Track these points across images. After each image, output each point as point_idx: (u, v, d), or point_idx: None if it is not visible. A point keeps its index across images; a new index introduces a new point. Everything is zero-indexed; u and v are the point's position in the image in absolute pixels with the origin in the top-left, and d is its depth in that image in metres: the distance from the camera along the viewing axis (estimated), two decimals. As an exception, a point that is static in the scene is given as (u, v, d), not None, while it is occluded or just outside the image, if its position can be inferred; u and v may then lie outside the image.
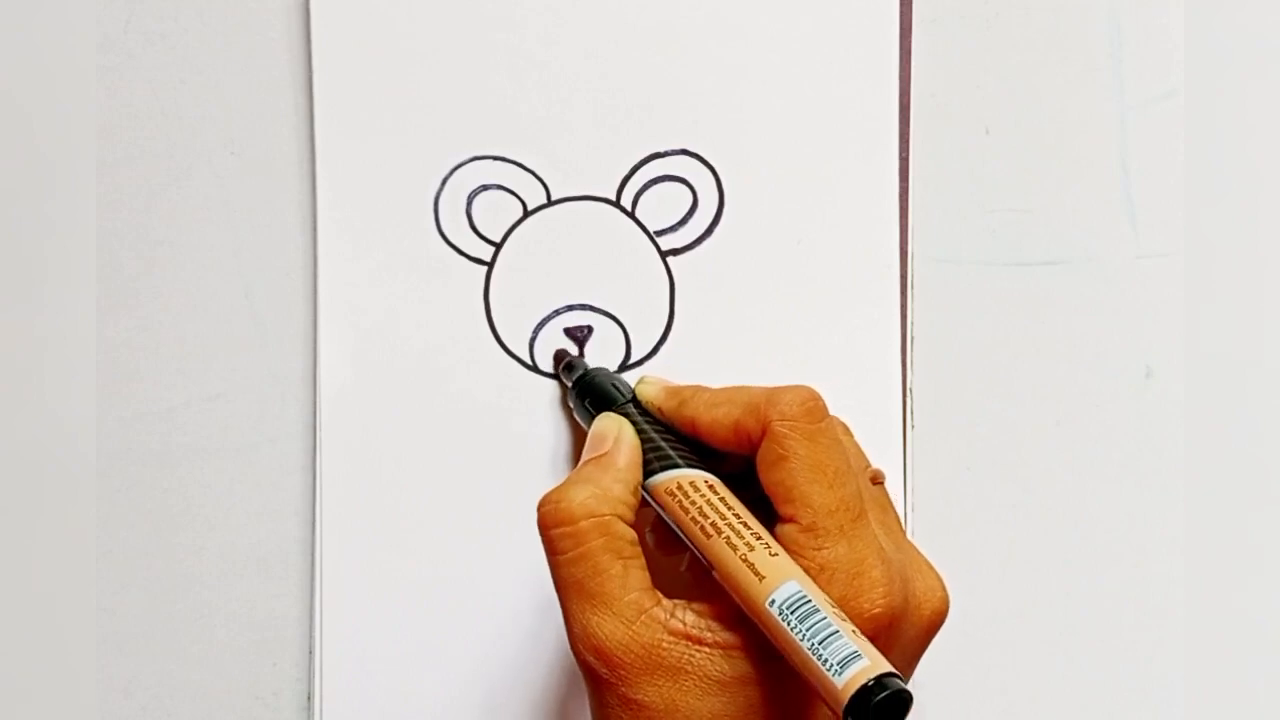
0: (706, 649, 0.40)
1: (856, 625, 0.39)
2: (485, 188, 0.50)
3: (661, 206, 0.50)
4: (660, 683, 0.40)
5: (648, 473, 0.43)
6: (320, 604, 0.49)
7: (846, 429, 0.45)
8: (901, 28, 0.50)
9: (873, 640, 0.39)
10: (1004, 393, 0.51)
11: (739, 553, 0.40)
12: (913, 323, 0.50)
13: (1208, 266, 0.48)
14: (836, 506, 0.40)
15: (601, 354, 0.50)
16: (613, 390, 0.46)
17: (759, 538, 0.40)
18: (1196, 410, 0.48)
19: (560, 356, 0.49)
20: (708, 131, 0.50)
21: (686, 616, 0.40)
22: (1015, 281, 0.51)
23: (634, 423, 0.45)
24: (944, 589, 0.43)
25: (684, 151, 0.50)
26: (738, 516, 0.41)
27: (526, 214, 0.50)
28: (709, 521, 0.41)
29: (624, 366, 0.50)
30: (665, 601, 0.41)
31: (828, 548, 0.40)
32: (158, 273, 0.50)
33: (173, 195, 0.50)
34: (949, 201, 0.51)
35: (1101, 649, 0.51)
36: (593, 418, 0.46)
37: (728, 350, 0.50)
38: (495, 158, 0.50)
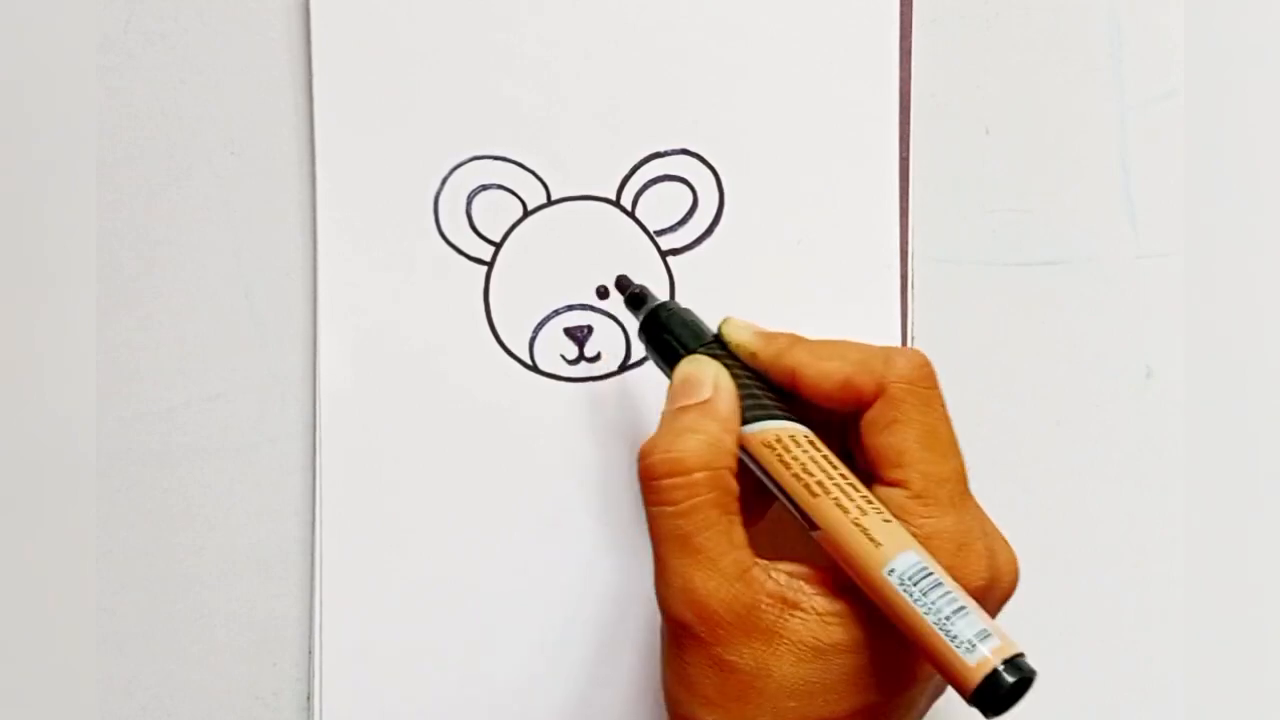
0: (803, 614, 0.38)
1: None
2: (485, 187, 0.50)
3: (661, 206, 0.50)
4: (755, 645, 0.38)
5: (742, 421, 0.41)
6: (320, 604, 0.49)
7: None
8: (901, 28, 0.50)
9: None
10: (1004, 393, 0.51)
11: (850, 516, 0.38)
12: (913, 323, 0.50)
13: (1208, 266, 0.48)
14: (949, 476, 0.40)
15: (602, 354, 0.50)
16: (697, 327, 0.44)
17: (870, 502, 0.38)
18: (1196, 410, 0.48)
19: (624, 284, 0.46)
20: (708, 131, 0.50)
21: (780, 577, 0.39)
22: (1015, 281, 0.51)
23: (726, 366, 0.42)
24: (1016, 561, 0.41)
25: (684, 151, 0.50)
26: (844, 477, 0.39)
27: (526, 214, 0.50)
28: (814, 480, 0.39)
29: (624, 366, 0.50)
30: (761, 562, 0.39)
31: (937, 516, 0.39)
32: (158, 273, 0.50)
33: (173, 195, 0.50)
34: (949, 201, 0.51)
35: (1101, 649, 0.51)
36: (669, 356, 0.43)
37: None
38: (495, 158, 0.50)
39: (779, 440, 0.40)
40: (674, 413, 0.41)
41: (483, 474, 0.49)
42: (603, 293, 0.49)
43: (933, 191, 0.51)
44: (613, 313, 0.50)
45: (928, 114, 0.50)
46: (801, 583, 0.39)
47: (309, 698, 0.50)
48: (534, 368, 0.50)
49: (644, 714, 0.49)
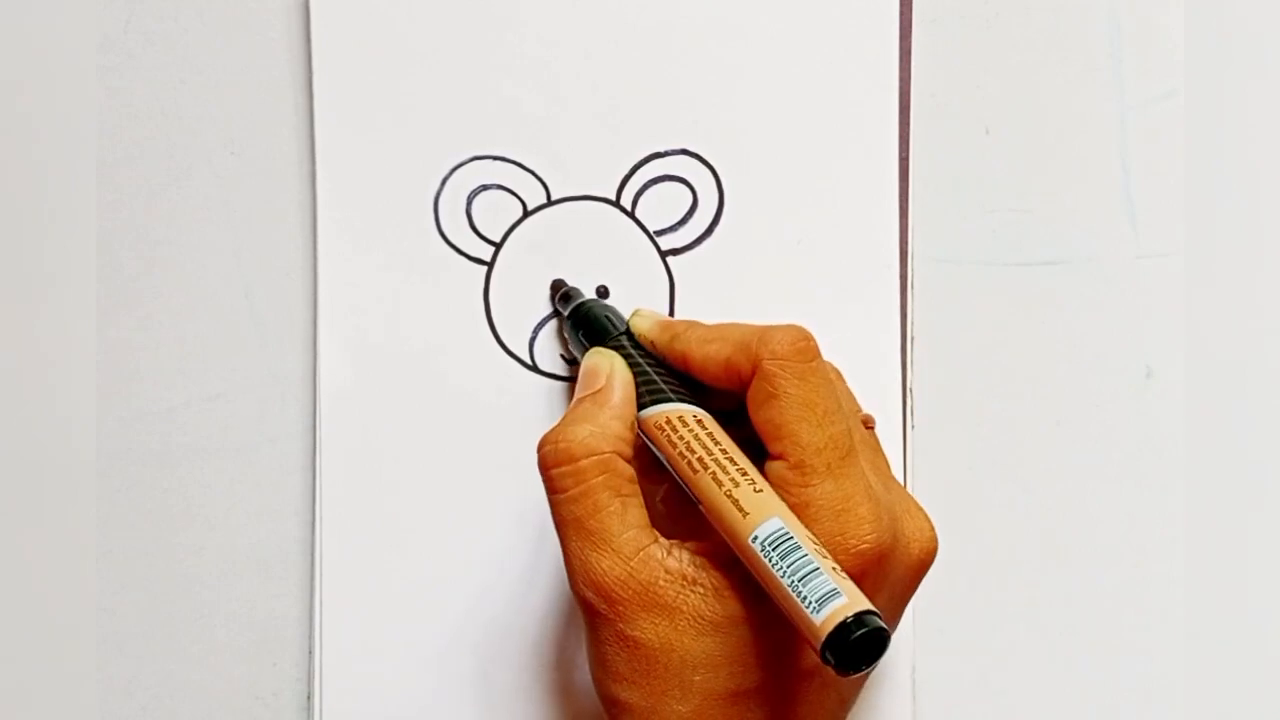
0: (700, 589, 0.40)
1: (843, 561, 0.39)
2: (485, 188, 0.50)
3: (661, 206, 0.50)
4: (657, 620, 0.40)
5: (639, 406, 0.43)
6: (320, 604, 0.49)
7: (839, 373, 0.46)
8: (901, 28, 0.50)
9: (860, 577, 0.39)
10: (1004, 393, 0.51)
11: (724, 489, 0.40)
12: (913, 323, 0.50)
13: (1208, 266, 0.48)
14: (825, 444, 0.40)
15: (601, 354, 0.50)
16: (606, 322, 0.46)
17: (744, 474, 0.40)
18: (1196, 410, 0.48)
19: (557, 286, 0.49)
20: (708, 131, 0.50)
21: (682, 555, 0.41)
22: (1015, 281, 0.51)
23: (626, 356, 0.45)
24: (933, 529, 0.43)
25: (684, 151, 0.50)
26: (724, 452, 0.41)
27: (526, 214, 0.50)
28: (695, 457, 0.41)
29: (624, 366, 0.50)
30: (662, 540, 0.41)
31: (815, 484, 0.40)
32: (158, 273, 0.50)
33: (173, 195, 0.50)
34: (949, 201, 0.51)
35: (1101, 649, 0.51)
36: (585, 350, 0.46)
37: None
38: (495, 158, 0.50)
39: (668, 421, 0.42)
40: (571, 405, 0.44)
41: (482, 474, 0.49)
42: (603, 293, 0.49)
43: (933, 191, 0.51)
44: (613, 313, 0.50)
45: (928, 114, 0.50)
46: (702, 559, 0.40)
47: (309, 698, 0.50)
48: (534, 368, 0.50)
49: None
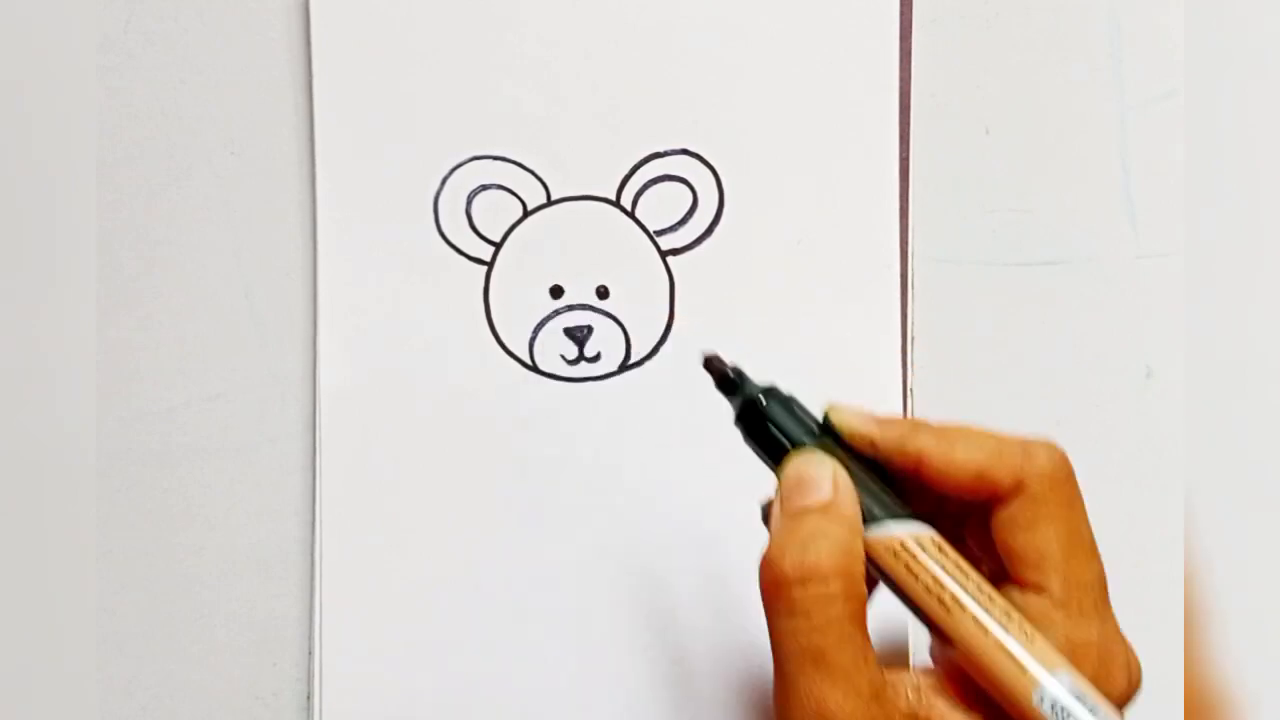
0: None
1: None
2: (485, 187, 0.50)
3: (661, 206, 0.50)
4: None
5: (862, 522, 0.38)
6: (320, 604, 0.49)
7: None
8: (901, 28, 0.50)
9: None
10: (1004, 393, 0.51)
11: (991, 637, 0.36)
12: (913, 323, 0.50)
13: (1208, 266, 0.48)
14: (1093, 582, 0.38)
15: (602, 354, 0.50)
16: (804, 420, 0.40)
17: (1009, 615, 0.36)
18: (1196, 410, 0.48)
19: (713, 365, 0.42)
20: (708, 131, 0.50)
21: (912, 694, 0.37)
22: (1015, 281, 0.51)
23: (839, 459, 0.39)
24: (1139, 665, 0.39)
25: (684, 151, 0.50)
26: (980, 588, 0.36)
27: (526, 214, 0.50)
28: (947, 594, 0.36)
29: (624, 366, 0.50)
30: (891, 675, 0.37)
31: (1084, 625, 0.37)
32: (158, 273, 0.50)
33: (173, 195, 0.50)
34: (949, 201, 0.51)
35: (1101, 649, 0.51)
36: (773, 449, 0.40)
37: (728, 350, 0.50)
38: (495, 158, 0.50)
39: (904, 547, 0.37)
40: (794, 515, 0.38)
41: (482, 474, 0.49)
42: (603, 293, 0.49)
43: (933, 191, 0.51)
44: (613, 313, 0.50)
45: (928, 114, 0.50)
46: (933, 697, 0.37)
47: (309, 698, 0.50)
48: (534, 368, 0.50)
49: (644, 712, 0.49)
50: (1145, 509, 0.51)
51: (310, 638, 0.50)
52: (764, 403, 0.40)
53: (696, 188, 0.50)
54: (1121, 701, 0.37)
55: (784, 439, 0.40)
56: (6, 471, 0.44)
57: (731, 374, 0.41)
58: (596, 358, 0.50)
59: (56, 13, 0.46)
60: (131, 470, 0.50)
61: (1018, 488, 0.37)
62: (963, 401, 0.51)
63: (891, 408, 0.49)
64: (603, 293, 0.50)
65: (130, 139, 0.50)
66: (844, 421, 0.39)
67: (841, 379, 0.49)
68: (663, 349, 0.50)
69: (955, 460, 0.38)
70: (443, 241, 0.50)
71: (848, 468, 0.38)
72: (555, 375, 0.50)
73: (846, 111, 0.50)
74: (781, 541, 0.37)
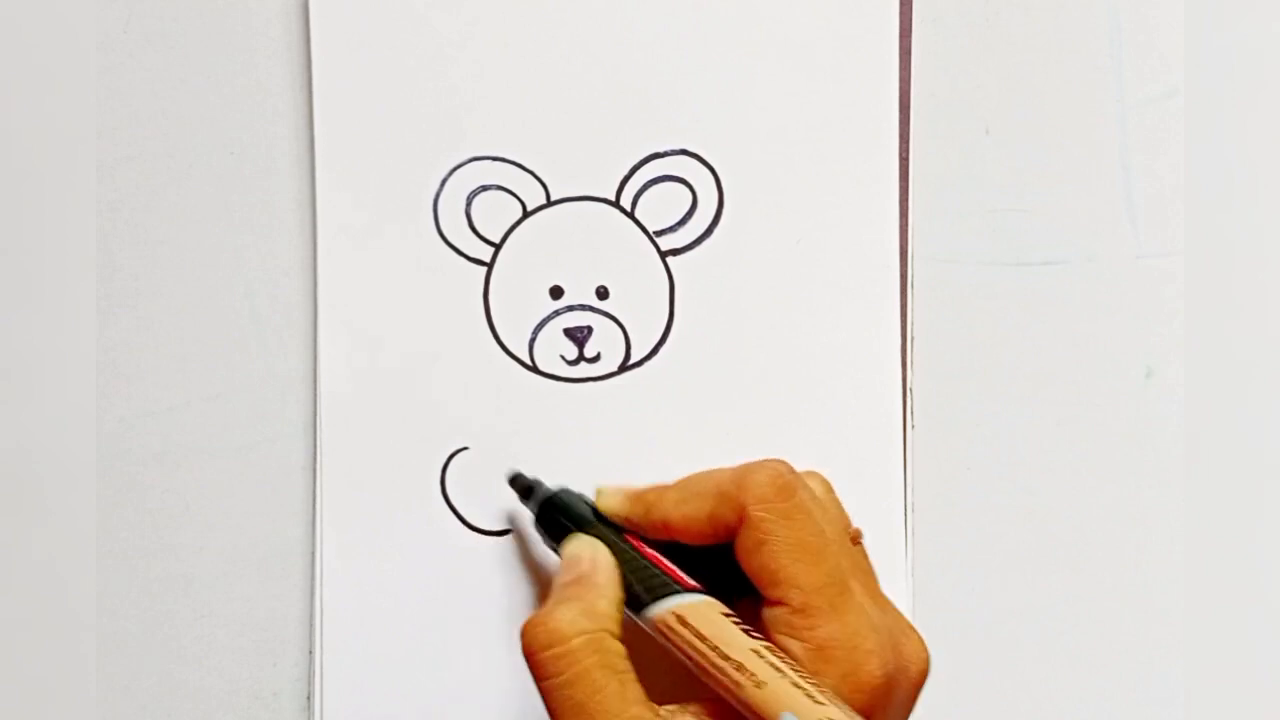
0: None
1: (857, 699, 0.39)
2: (484, 188, 0.50)
3: (661, 206, 0.50)
4: None
5: (639, 604, 0.42)
6: (320, 604, 0.49)
7: (827, 485, 0.45)
8: (901, 28, 0.50)
9: (871, 709, 0.39)
10: (1004, 393, 0.51)
11: (735, 692, 0.40)
12: (913, 323, 0.50)
13: (1208, 266, 0.48)
14: (823, 583, 0.40)
15: (601, 354, 0.50)
16: (579, 510, 0.45)
17: (740, 669, 0.40)
18: (1196, 410, 0.48)
19: (515, 479, 0.47)
20: (707, 131, 0.50)
21: None
22: (1015, 281, 0.51)
23: (609, 544, 0.44)
24: (926, 648, 0.43)
25: (683, 151, 0.50)
26: (714, 649, 0.40)
27: (526, 214, 0.50)
28: (694, 664, 0.41)
29: (624, 367, 0.50)
30: (662, 710, 0.40)
31: (820, 626, 0.40)
32: (158, 273, 0.50)
33: (173, 195, 0.50)
34: (949, 201, 0.51)
35: (1101, 649, 0.51)
36: (560, 540, 0.45)
37: (728, 350, 0.50)
38: (495, 158, 0.50)
39: (665, 624, 0.42)
40: (554, 590, 0.43)
41: (482, 474, 0.49)
42: (602, 293, 0.49)
43: (933, 191, 0.51)
44: (613, 313, 0.50)
45: (928, 114, 0.50)
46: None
47: (309, 698, 0.50)
48: (534, 368, 0.50)
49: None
50: (1145, 509, 0.51)
51: (310, 638, 0.50)
52: (552, 503, 0.46)
53: (696, 188, 0.50)
54: (884, 687, 0.40)
55: (571, 529, 0.45)
56: (6, 471, 0.44)
57: (529, 482, 0.47)
58: (596, 358, 0.50)
59: (56, 13, 0.46)
60: (131, 470, 0.50)
61: (741, 520, 0.41)
62: (963, 401, 0.51)
63: (891, 407, 0.50)
64: (602, 293, 0.50)
65: (130, 139, 0.50)
66: (603, 505, 0.45)
67: (841, 379, 0.50)
68: (663, 349, 0.50)
69: (688, 515, 0.42)
70: (442, 242, 0.50)
71: (624, 552, 0.43)
72: (555, 376, 0.50)
73: (846, 111, 0.50)
74: (536, 613, 0.41)
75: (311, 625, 0.49)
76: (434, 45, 0.50)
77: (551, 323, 0.50)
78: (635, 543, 0.44)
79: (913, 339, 0.50)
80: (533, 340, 0.50)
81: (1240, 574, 0.46)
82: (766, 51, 0.50)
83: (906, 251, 0.50)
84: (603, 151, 0.50)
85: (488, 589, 0.49)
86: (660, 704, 0.41)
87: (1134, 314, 0.51)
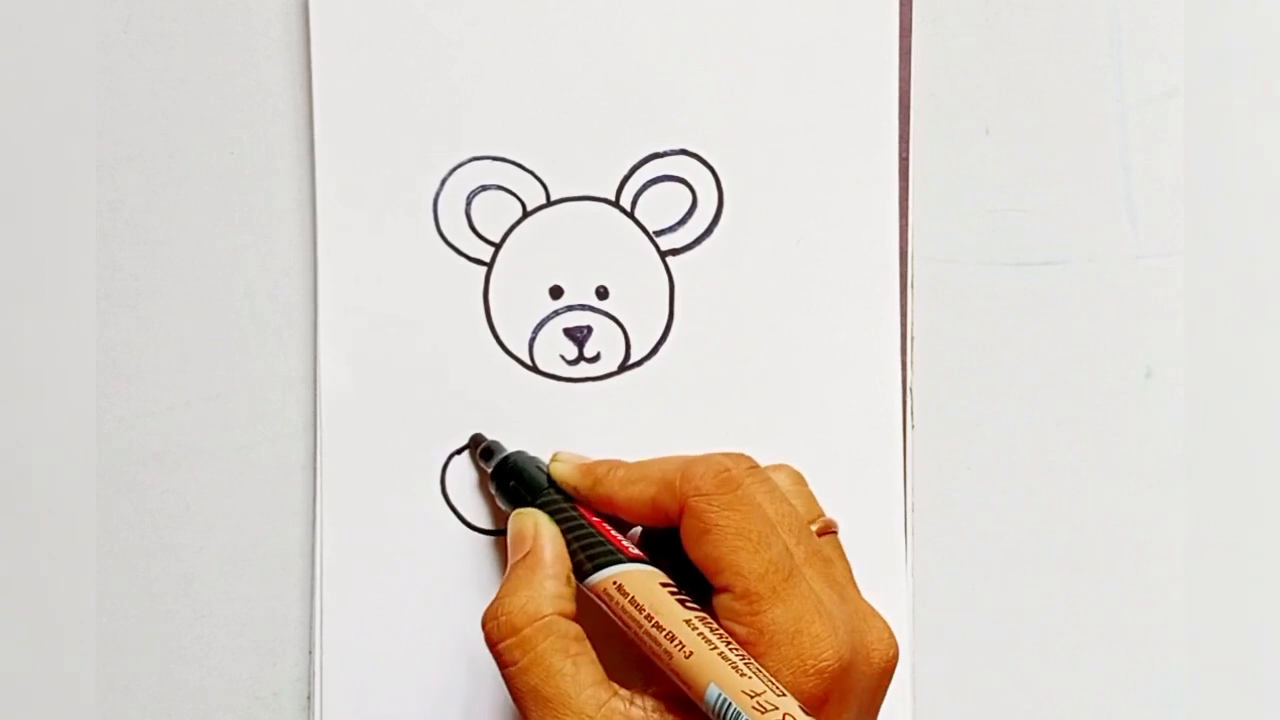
0: None
1: (807, 683, 0.39)
2: (484, 188, 0.50)
3: (661, 206, 0.50)
4: None
5: (583, 572, 0.43)
6: (320, 604, 0.49)
7: (796, 477, 0.45)
8: (901, 28, 0.50)
9: (825, 695, 0.39)
10: (1004, 393, 0.51)
11: (666, 661, 0.41)
12: (913, 323, 0.50)
13: (1208, 266, 0.48)
14: (766, 570, 0.40)
15: (602, 354, 0.50)
16: (533, 476, 0.46)
17: (672, 639, 0.40)
18: (1196, 410, 0.48)
19: (476, 441, 0.49)
20: (707, 131, 0.50)
21: (646, 703, 0.41)
22: (1015, 281, 0.51)
23: (558, 509, 0.45)
24: (893, 636, 0.43)
25: (683, 151, 0.50)
26: (649, 618, 0.41)
27: (526, 214, 0.50)
28: (631, 632, 0.42)
29: (624, 366, 0.50)
30: (622, 691, 0.41)
31: (764, 611, 0.40)
32: (158, 273, 0.50)
33: (173, 195, 0.50)
34: (949, 201, 0.51)
35: (1101, 649, 0.51)
36: (517, 504, 0.46)
37: (728, 350, 0.50)
38: (494, 158, 0.50)
39: (605, 592, 0.42)
40: (508, 570, 0.44)
41: (482, 474, 0.49)
42: (602, 293, 0.50)
43: (933, 191, 0.51)
44: (612, 313, 0.50)
45: (928, 114, 0.50)
46: (661, 702, 0.41)
47: (309, 698, 0.50)
48: (534, 368, 0.50)
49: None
50: (1145, 509, 0.51)
51: (310, 638, 0.50)
52: (506, 465, 0.47)
53: (696, 188, 0.50)
54: (837, 670, 0.40)
55: (524, 494, 0.46)
56: (6, 471, 0.44)
57: (489, 445, 0.48)
58: (596, 358, 0.50)
59: (56, 13, 0.46)
60: (131, 470, 0.50)
61: (682, 509, 0.42)
62: (963, 401, 0.51)
63: (891, 407, 0.50)
64: (602, 293, 0.50)
65: (130, 139, 0.50)
66: (555, 471, 0.46)
67: (841, 379, 0.50)
68: (662, 349, 0.50)
69: (632, 497, 0.43)
70: (442, 242, 0.50)
71: (570, 518, 0.44)
72: (555, 375, 0.50)
73: (846, 111, 0.50)
74: (491, 602, 0.43)
75: (311, 625, 0.49)
76: (434, 45, 0.50)
77: (551, 322, 0.50)
78: (585, 512, 0.45)
79: (913, 339, 0.50)
80: (532, 340, 0.50)
81: (1240, 574, 0.46)
82: (766, 51, 0.50)
83: (906, 251, 0.50)
84: (602, 151, 0.50)
85: (488, 589, 0.49)
86: (628, 677, 0.42)
87: (1134, 314, 0.51)
